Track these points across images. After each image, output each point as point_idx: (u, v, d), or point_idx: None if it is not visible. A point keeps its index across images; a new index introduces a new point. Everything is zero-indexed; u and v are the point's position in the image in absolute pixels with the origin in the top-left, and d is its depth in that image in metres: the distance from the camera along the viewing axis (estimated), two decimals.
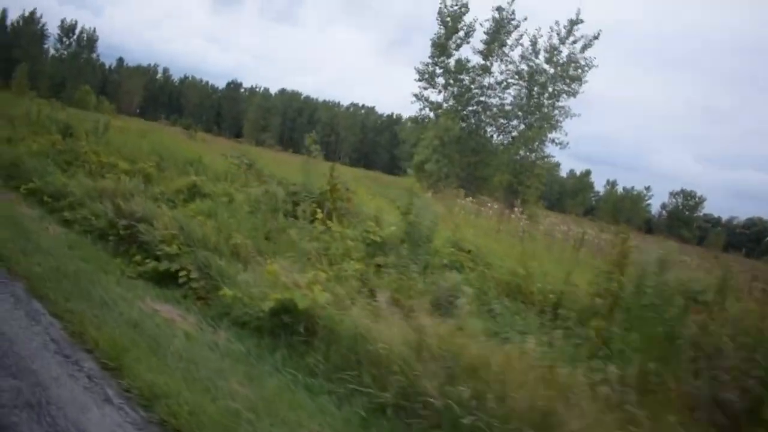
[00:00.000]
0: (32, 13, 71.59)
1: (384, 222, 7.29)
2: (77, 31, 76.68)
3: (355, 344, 3.98)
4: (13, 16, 72.24)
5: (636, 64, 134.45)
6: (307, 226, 6.98)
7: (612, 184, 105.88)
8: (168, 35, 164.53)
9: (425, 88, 37.03)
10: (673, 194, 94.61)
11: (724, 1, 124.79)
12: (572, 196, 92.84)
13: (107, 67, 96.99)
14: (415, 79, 37.11)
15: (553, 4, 69.40)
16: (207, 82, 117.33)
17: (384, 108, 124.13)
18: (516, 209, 18.45)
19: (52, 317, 4.27)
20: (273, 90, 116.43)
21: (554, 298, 5.49)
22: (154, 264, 5.64)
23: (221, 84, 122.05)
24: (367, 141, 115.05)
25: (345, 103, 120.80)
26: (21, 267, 5.18)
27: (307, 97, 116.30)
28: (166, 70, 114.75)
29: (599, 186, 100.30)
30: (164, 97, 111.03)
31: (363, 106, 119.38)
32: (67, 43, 75.18)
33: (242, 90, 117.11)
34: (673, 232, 72.66)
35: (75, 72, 71.95)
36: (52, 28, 77.55)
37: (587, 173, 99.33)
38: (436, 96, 37.08)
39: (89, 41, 77.08)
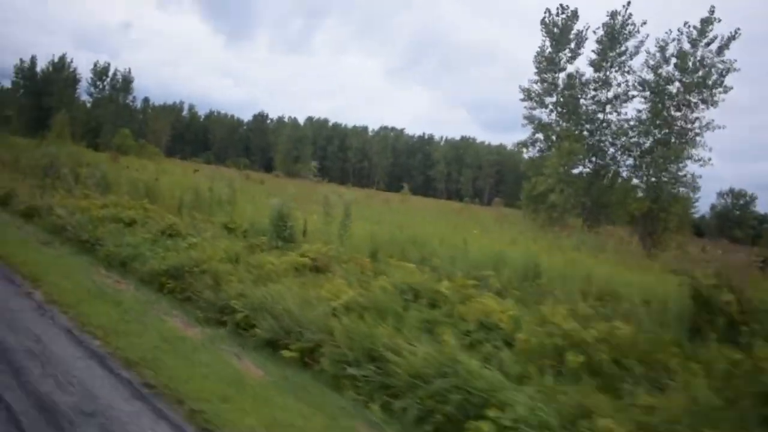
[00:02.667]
0: (62, 58, 67.57)
1: None
2: (110, 74, 72.46)
3: None
4: (42, 64, 68.33)
5: None
6: None
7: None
8: (185, 74, 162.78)
9: (533, 109, 32.61)
10: (721, 194, 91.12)
11: None
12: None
13: (133, 108, 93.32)
14: (520, 99, 32.71)
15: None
16: (233, 116, 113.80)
17: (408, 127, 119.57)
18: None
19: None
20: (300, 119, 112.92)
21: None
22: None
23: (244, 117, 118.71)
24: (399, 164, 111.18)
25: (373, 126, 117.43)
26: None
27: (336, 124, 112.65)
28: (192, 107, 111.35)
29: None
30: (190, 134, 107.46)
31: (392, 129, 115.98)
32: (101, 86, 70.86)
33: (269, 121, 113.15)
34: (725, 234, 67.83)
35: (112, 116, 67.44)
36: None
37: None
38: (546, 116, 32.65)
39: (125, 83, 72.60)
